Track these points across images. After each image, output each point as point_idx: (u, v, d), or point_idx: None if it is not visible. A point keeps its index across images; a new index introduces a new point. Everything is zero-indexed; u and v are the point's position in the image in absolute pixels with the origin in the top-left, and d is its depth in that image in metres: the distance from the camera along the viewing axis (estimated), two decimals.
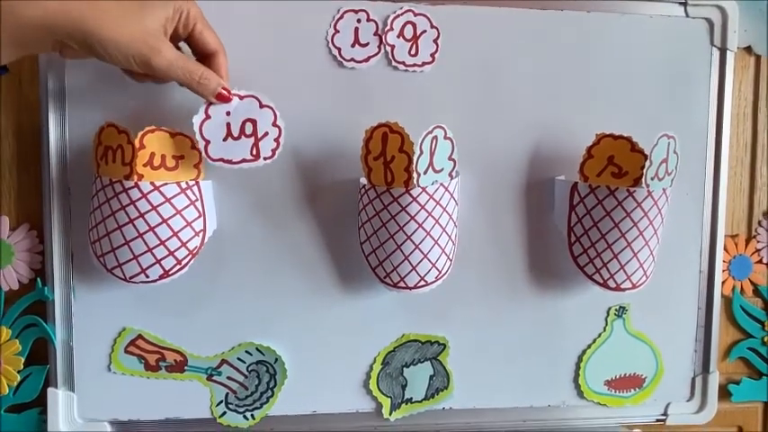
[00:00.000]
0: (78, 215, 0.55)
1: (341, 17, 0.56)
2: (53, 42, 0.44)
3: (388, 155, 0.51)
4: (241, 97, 0.50)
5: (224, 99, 0.49)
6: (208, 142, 0.50)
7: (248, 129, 0.50)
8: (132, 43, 0.44)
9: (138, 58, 0.44)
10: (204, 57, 0.50)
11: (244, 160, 0.51)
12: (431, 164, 0.52)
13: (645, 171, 0.52)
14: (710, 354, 0.64)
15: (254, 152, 0.51)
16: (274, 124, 0.51)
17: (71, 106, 0.54)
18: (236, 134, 0.50)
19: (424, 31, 0.57)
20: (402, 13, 0.56)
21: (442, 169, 0.53)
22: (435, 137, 0.51)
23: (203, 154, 0.50)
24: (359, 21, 0.56)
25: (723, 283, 0.64)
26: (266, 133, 0.51)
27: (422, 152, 0.50)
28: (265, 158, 0.51)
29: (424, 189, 0.51)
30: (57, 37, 0.43)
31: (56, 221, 0.55)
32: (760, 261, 0.66)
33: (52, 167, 0.55)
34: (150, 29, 0.45)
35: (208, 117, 0.50)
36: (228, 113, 0.50)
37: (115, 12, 0.43)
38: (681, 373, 0.64)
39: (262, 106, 0.50)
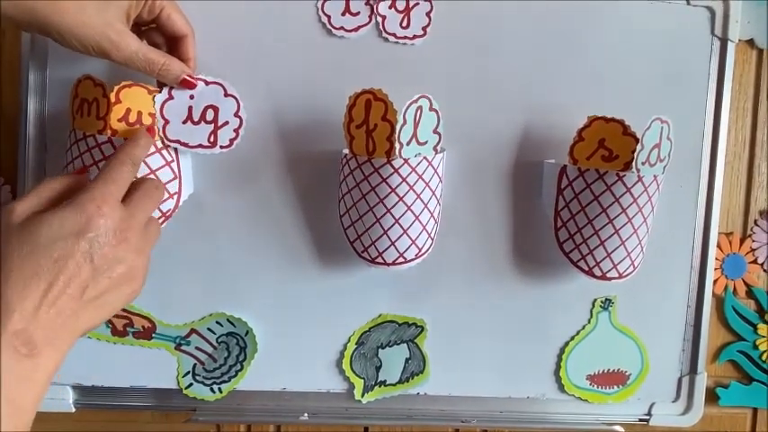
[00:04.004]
0: (54, 172, 0.54)
1: None
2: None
3: (371, 123, 0.50)
4: (207, 83, 0.50)
5: (188, 85, 0.49)
6: (167, 122, 0.50)
7: (209, 115, 0.50)
8: (93, 36, 0.44)
9: (98, 50, 0.45)
10: (172, 39, 0.50)
11: (200, 146, 0.50)
12: (414, 135, 0.50)
13: (636, 155, 0.51)
14: (699, 354, 0.61)
15: (212, 139, 0.51)
16: (236, 115, 0.51)
17: (51, 61, 0.53)
18: (196, 119, 0.50)
19: (417, 4, 0.56)
20: None
21: (427, 142, 0.52)
22: (420, 107, 0.50)
23: (160, 133, 0.50)
24: None
25: (715, 281, 0.62)
26: (226, 122, 0.51)
27: (405, 121, 0.48)
28: (222, 147, 0.51)
29: (406, 161, 0.50)
30: (16, 25, 0.43)
31: (30, 178, 0.54)
32: (754, 261, 0.63)
33: (29, 123, 0.54)
34: (112, 21, 0.45)
35: (171, 98, 0.50)
36: (192, 97, 0.50)
37: (77, 3, 0.43)
38: (667, 372, 0.61)
39: (226, 95, 0.50)
